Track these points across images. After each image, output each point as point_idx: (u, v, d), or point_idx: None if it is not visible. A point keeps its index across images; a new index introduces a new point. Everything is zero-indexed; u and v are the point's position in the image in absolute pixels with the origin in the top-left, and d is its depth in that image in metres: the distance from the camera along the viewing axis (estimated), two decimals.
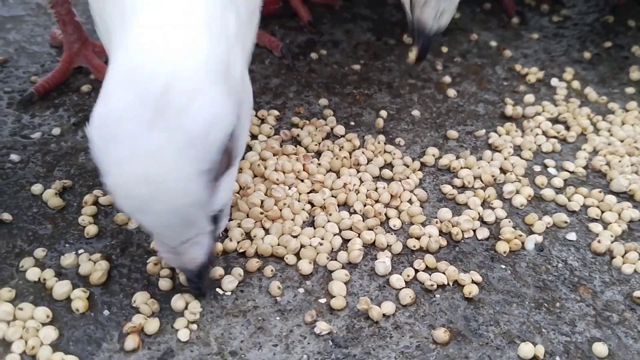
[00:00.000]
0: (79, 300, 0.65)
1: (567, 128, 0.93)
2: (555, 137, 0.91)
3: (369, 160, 0.84)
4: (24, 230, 0.72)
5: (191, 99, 0.51)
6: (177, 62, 0.51)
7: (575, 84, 1.01)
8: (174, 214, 0.54)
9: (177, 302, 0.65)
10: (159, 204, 0.53)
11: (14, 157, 0.80)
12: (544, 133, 0.91)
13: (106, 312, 0.65)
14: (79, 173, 0.79)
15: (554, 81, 1.01)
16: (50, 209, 0.75)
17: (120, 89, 0.51)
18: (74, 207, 0.75)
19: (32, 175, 0.78)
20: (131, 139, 0.51)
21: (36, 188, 0.76)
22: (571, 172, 0.86)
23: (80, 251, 0.70)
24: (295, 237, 0.73)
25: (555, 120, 0.94)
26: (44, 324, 0.63)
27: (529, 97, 0.97)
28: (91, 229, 0.72)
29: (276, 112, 0.90)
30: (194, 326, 0.64)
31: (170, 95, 0.51)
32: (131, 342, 0.62)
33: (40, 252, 0.69)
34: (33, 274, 0.67)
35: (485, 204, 0.80)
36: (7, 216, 0.73)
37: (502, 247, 0.74)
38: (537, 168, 0.86)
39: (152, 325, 0.64)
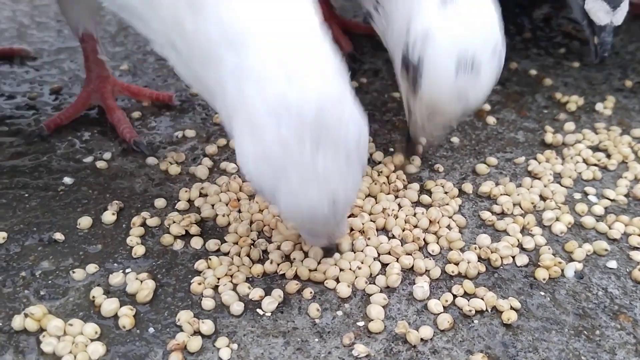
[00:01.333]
0: (126, 318, 0.67)
1: (608, 156, 0.92)
2: (596, 164, 0.91)
3: (406, 186, 0.85)
4: (74, 249, 0.75)
5: (341, 112, 0.55)
6: (320, 84, 0.53)
7: (617, 112, 1.01)
8: (349, 205, 0.61)
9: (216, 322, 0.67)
10: (341, 207, 0.59)
11: (67, 179, 0.84)
12: (585, 161, 0.91)
13: (151, 330, 0.67)
14: (127, 196, 0.82)
15: (598, 106, 1.01)
16: (99, 230, 0.78)
17: (272, 122, 0.53)
18: (122, 228, 0.78)
19: (84, 197, 0.82)
20: (300, 167, 0.54)
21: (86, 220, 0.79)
22: (612, 200, 0.85)
23: (127, 270, 0.73)
24: (334, 264, 0.74)
25: (596, 148, 0.94)
26: (92, 340, 0.66)
27: (569, 125, 0.97)
28: (139, 249, 0.75)
29: None
30: (235, 345, 0.66)
31: (324, 115, 0.53)
32: (175, 359, 0.64)
33: (91, 268, 0.73)
34: (84, 291, 0.70)
35: (524, 230, 0.80)
36: (59, 236, 0.76)
37: (541, 274, 0.74)
38: (578, 196, 0.86)
39: (195, 344, 0.65)
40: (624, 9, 0.90)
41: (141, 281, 0.71)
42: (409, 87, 0.74)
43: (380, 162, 0.89)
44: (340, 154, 0.55)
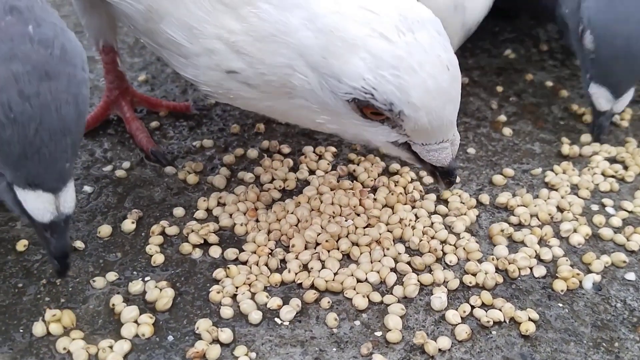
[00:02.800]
0: (146, 326, 0.68)
1: (626, 167, 0.92)
2: (613, 176, 0.91)
3: (423, 197, 0.85)
4: (94, 258, 0.76)
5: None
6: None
7: (634, 124, 1.01)
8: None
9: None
10: (456, 92, 0.64)
11: (87, 188, 0.85)
12: (602, 172, 0.91)
13: (170, 338, 0.68)
14: (147, 204, 0.83)
15: (614, 118, 1.01)
16: (119, 239, 0.79)
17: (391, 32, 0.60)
18: (141, 237, 0.79)
19: (104, 205, 0.83)
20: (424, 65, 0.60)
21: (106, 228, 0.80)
22: (630, 212, 0.85)
23: (147, 278, 0.73)
24: (351, 274, 0.74)
25: (613, 160, 0.94)
26: (111, 347, 0.66)
27: (586, 137, 0.97)
28: (158, 258, 0.75)
29: (333, 149, 0.93)
30: (253, 354, 0.66)
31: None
32: None
33: (111, 276, 0.73)
34: (103, 299, 0.71)
35: (542, 242, 0.80)
36: (79, 244, 0.77)
37: (559, 285, 0.74)
38: (595, 207, 0.86)
39: (214, 352, 0.66)
40: (626, 98, 0.91)
41: (160, 289, 0.72)
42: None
43: (397, 173, 0.89)
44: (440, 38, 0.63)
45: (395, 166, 0.90)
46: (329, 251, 0.77)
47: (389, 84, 0.60)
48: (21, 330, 0.68)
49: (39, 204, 0.53)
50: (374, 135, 0.67)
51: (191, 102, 0.99)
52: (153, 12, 0.68)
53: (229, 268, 0.74)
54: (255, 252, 0.76)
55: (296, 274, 0.74)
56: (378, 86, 0.60)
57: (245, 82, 0.67)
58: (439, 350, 0.67)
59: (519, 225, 0.82)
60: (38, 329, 0.67)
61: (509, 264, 0.76)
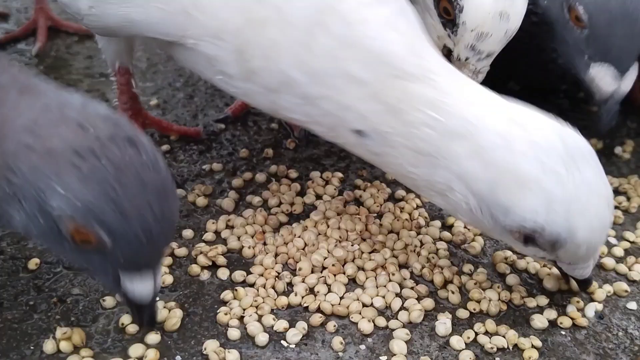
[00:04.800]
0: (151, 350, 0.69)
1: (628, 199, 0.94)
2: (616, 207, 0.92)
3: (428, 223, 0.87)
4: None
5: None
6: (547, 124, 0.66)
7: (635, 156, 1.02)
8: None
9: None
10: (611, 223, 0.68)
11: None
12: None
13: (178, 358, 0.69)
14: None
15: (617, 150, 1.03)
16: None
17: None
18: None
19: None
20: (591, 202, 0.63)
21: None
22: (632, 242, 0.86)
23: (156, 299, 0.74)
24: (357, 299, 0.76)
25: (616, 191, 0.95)
26: None
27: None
28: (167, 279, 0.77)
29: (340, 175, 0.94)
30: None
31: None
32: None
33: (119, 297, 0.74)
34: (113, 318, 0.72)
35: (544, 269, 0.81)
36: None
37: (565, 321, 0.75)
38: None
39: None
40: (633, 73, 0.86)
41: (169, 310, 0.73)
42: (448, 28, 0.77)
43: (402, 199, 0.91)
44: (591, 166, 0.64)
45: (401, 192, 0.91)
46: (335, 275, 0.78)
47: (560, 223, 0.62)
48: (32, 347, 0.69)
49: (144, 288, 0.60)
50: (522, 249, 0.70)
51: (201, 128, 1.01)
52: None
53: (236, 290, 0.75)
54: (262, 275, 0.78)
55: (303, 297, 0.75)
56: (548, 225, 0.62)
57: (371, 151, 0.70)
58: None
59: (523, 254, 0.83)
60: (49, 346, 0.68)
61: (513, 292, 0.77)
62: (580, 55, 0.86)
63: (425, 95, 0.65)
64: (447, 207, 0.71)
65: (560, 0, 0.86)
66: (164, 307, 0.73)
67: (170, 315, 0.72)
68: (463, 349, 0.71)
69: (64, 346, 0.68)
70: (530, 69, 1.00)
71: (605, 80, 0.84)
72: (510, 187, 0.62)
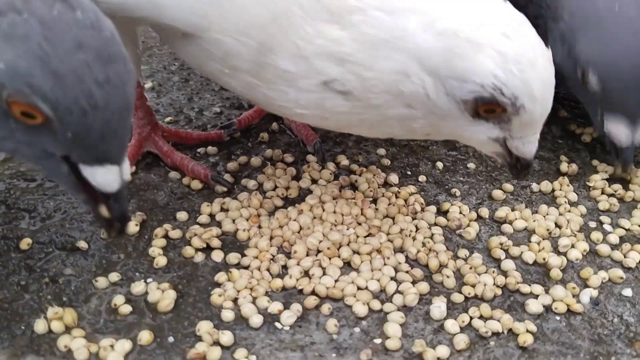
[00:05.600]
0: (145, 332, 0.68)
1: (624, 187, 0.94)
2: (612, 195, 0.92)
3: (423, 209, 0.86)
4: (97, 258, 0.77)
5: None
6: None
7: None
8: None
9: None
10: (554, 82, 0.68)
11: None
12: (602, 191, 0.92)
13: (171, 339, 0.68)
14: (150, 208, 0.84)
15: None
16: (122, 240, 0.79)
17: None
18: (145, 239, 0.79)
19: None
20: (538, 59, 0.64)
21: None
22: (627, 230, 0.86)
23: (149, 280, 0.74)
24: (352, 282, 0.75)
25: (612, 179, 0.95)
26: (112, 346, 0.66)
27: (585, 155, 0.99)
28: (160, 260, 0.76)
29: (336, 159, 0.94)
30: (253, 357, 0.67)
31: None
32: None
33: (114, 277, 0.74)
34: (105, 299, 0.71)
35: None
36: (82, 244, 0.77)
37: (559, 306, 0.75)
38: (593, 224, 0.87)
39: (214, 354, 0.66)
40: None
41: (162, 291, 0.72)
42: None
43: (398, 184, 0.90)
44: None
45: (396, 178, 0.91)
46: (330, 258, 0.77)
47: (516, 78, 0.63)
48: (23, 327, 0.68)
49: (108, 177, 0.55)
50: (474, 133, 0.69)
51: (222, 131, 0.96)
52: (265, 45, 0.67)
53: (230, 272, 0.74)
54: (257, 257, 0.77)
55: (297, 280, 0.75)
56: (507, 81, 0.63)
57: (342, 92, 0.67)
58: (438, 358, 0.68)
59: (517, 239, 0.83)
60: (40, 326, 0.67)
61: (508, 277, 0.77)
62: (594, 109, 0.89)
63: None
64: (405, 120, 0.70)
65: (574, 61, 0.87)
66: (158, 289, 0.72)
67: (164, 296, 0.71)
68: (457, 333, 0.70)
69: (56, 326, 0.68)
70: None
71: (621, 133, 0.87)
72: (465, 53, 0.63)
